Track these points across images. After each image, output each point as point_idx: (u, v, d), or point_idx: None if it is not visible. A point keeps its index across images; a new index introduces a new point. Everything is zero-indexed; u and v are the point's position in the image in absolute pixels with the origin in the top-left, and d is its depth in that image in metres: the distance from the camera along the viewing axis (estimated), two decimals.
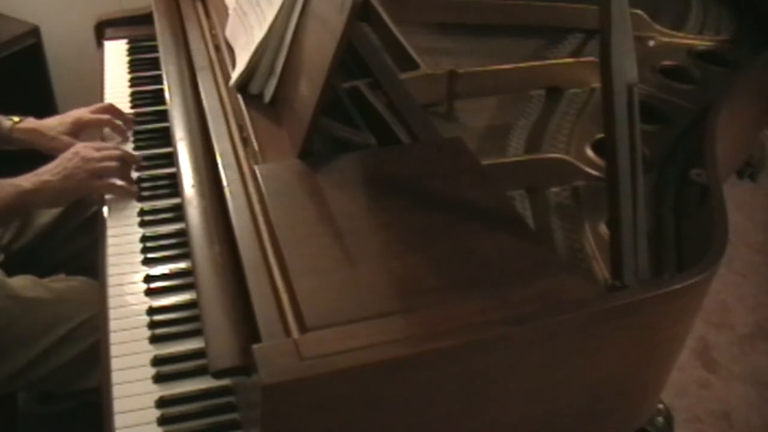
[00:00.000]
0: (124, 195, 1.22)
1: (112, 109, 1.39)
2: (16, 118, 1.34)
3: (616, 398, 0.92)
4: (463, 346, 0.74)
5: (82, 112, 1.37)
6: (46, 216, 1.37)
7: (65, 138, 1.32)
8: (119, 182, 1.22)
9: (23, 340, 1.15)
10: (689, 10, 1.70)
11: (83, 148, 1.21)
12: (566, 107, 1.32)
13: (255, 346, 0.72)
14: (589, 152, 1.19)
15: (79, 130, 1.36)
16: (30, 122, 1.35)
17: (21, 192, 1.14)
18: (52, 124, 1.35)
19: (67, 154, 1.20)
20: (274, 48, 1.07)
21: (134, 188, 1.23)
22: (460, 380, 0.77)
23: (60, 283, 1.23)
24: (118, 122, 1.37)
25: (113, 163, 1.20)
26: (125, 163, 1.24)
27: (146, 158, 1.33)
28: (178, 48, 1.37)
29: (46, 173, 1.17)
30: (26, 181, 1.16)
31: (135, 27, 1.66)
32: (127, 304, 1.06)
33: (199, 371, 0.95)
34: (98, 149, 1.21)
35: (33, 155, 1.34)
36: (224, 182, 0.97)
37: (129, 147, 1.37)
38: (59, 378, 1.20)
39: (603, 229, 1.04)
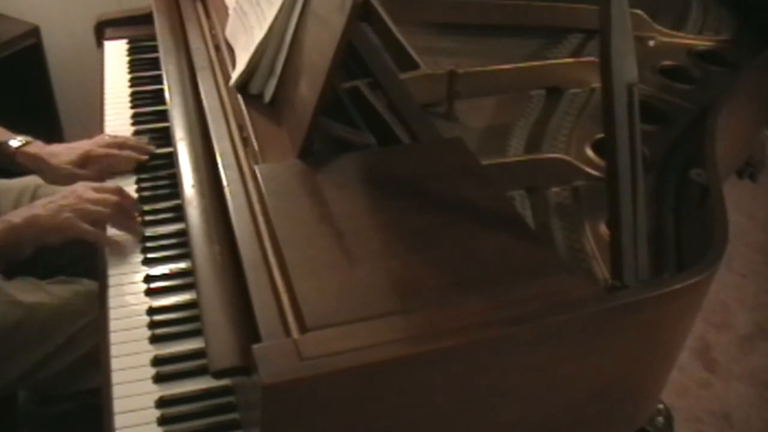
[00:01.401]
0: (113, 248, 1.14)
1: (123, 144, 1.32)
2: (22, 140, 1.29)
3: (616, 398, 0.92)
4: (463, 346, 0.74)
5: (92, 145, 1.30)
6: None
7: (68, 168, 1.26)
8: (110, 232, 1.14)
9: (25, 345, 1.15)
10: (689, 10, 1.70)
11: (82, 188, 1.15)
12: (566, 107, 1.32)
13: (255, 346, 0.72)
14: (589, 152, 1.19)
15: (89, 163, 1.29)
16: (36, 147, 1.30)
17: (10, 227, 1.09)
18: (58, 151, 1.30)
19: (64, 191, 1.15)
20: (274, 48, 1.07)
21: (127, 241, 1.15)
22: (460, 380, 0.77)
23: (61, 286, 1.22)
24: (127, 153, 1.30)
25: (106, 210, 1.13)
26: (122, 210, 1.15)
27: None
28: (178, 48, 1.37)
29: (38, 207, 1.12)
30: (17, 216, 1.11)
31: (135, 27, 1.65)
32: (127, 304, 1.06)
33: (199, 371, 0.95)
34: (98, 190, 1.15)
35: None
36: (224, 182, 0.97)
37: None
38: (61, 380, 1.19)
39: (603, 229, 1.04)
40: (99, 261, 1.14)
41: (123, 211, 1.15)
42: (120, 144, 1.31)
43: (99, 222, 1.13)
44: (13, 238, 1.11)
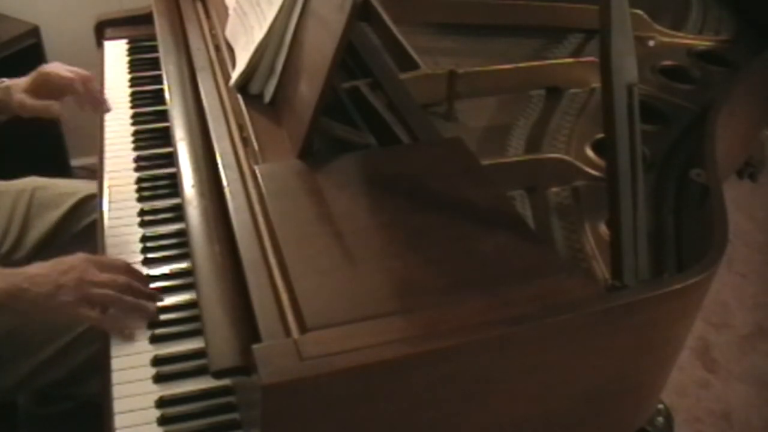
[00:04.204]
0: (114, 332, 1.00)
1: (87, 78, 1.30)
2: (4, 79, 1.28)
3: (616, 398, 0.92)
4: (463, 346, 0.74)
5: (53, 67, 1.28)
6: (44, 226, 1.36)
7: (32, 102, 1.23)
8: (113, 317, 1.01)
9: (24, 351, 1.13)
10: (689, 10, 1.69)
11: (86, 262, 1.00)
12: (566, 107, 1.32)
13: (255, 346, 0.72)
14: (589, 152, 1.19)
15: (42, 86, 1.26)
16: (5, 82, 1.28)
17: None
18: (20, 82, 1.27)
19: (63, 265, 1.00)
20: (274, 48, 1.07)
21: (129, 328, 1.01)
22: (459, 380, 0.77)
23: None
24: (81, 89, 1.28)
25: (112, 293, 0.99)
26: (131, 292, 1.02)
27: (146, 158, 1.34)
28: (178, 48, 1.37)
29: (29, 280, 0.98)
30: (1, 279, 0.98)
31: (135, 27, 1.66)
32: None
33: (199, 371, 0.95)
34: (105, 268, 1.02)
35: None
36: (224, 182, 0.97)
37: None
38: (61, 385, 1.19)
39: (603, 229, 1.04)
40: None
41: (132, 293, 1.02)
42: (84, 78, 1.30)
43: (100, 304, 1.00)
44: None
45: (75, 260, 1.02)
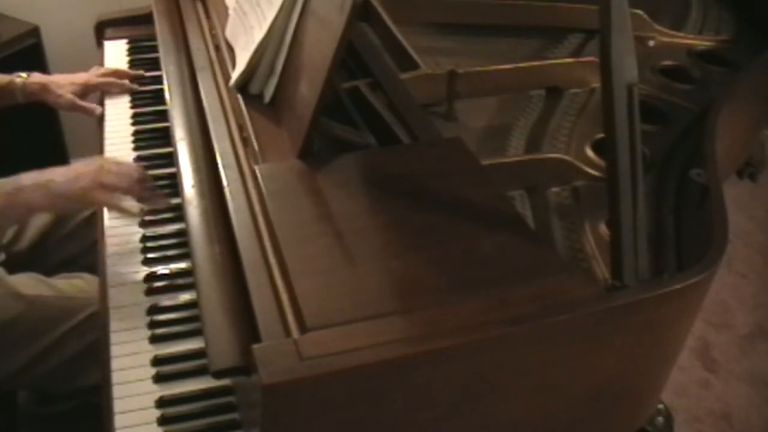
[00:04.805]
0: (124, 214, 1.16)
1: (116, 73, 1.51)
2: (24, 75, 1.44)
3: (616, 398, 0.92)
4: (463, 346, 0.75)
5: (90, 76, 1.48)
6: (44, 216, 1.37)
7: (70, 96, 1.43)
8: (125, 203, 1.14)
9: (25, 338, 1.15)
10: (689, 10, 1.70)
11: (105, 160, 1.17)
12: (566, 107, 1.32)
13: (255, 346, 0.72)
14: (589, 152, 1.19)
15: (88, 92, 1.47)
16: (39, 77, 1.45)
17: (18, 188, 1.07)
18: (61, 82, 1.45)
19: (84, 163, 1.13)
20: (274, 48, 1.07)
21: (137, 210, 1.18)
22: (459, 380, 0.77)
23: (62, 280, 1.23)
24: (123, 82, 1.50)
25: (124, 182, 1.12)
26: (140, 185, 1.14)
27: (146, 158, 1.34)
28: (178, 48, 1.37)
29: (54, 172, 1.10)
30: (27, 178, 1.09)
31: (135, 27, 1.66)
32: (127, 304, 1.06)
33: (199, 371, 0.95)
34: (119, 165, 1.15)
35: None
36: (224, 182, 0.97)
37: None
38: (61, 375, 1.20)
39: (603, 229, 1.04)
40: (99, 260, 1.14)
41: (142, 186, 1.14)
42: (113, 73, 1.51)
43: (114, 190, 1.12)
44: (21, 201, 1.08)
45: (98, 160, 1.17)
